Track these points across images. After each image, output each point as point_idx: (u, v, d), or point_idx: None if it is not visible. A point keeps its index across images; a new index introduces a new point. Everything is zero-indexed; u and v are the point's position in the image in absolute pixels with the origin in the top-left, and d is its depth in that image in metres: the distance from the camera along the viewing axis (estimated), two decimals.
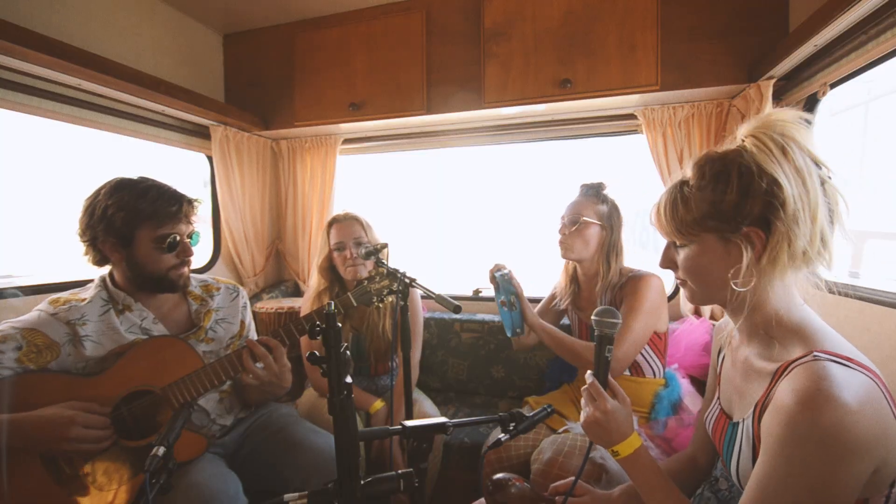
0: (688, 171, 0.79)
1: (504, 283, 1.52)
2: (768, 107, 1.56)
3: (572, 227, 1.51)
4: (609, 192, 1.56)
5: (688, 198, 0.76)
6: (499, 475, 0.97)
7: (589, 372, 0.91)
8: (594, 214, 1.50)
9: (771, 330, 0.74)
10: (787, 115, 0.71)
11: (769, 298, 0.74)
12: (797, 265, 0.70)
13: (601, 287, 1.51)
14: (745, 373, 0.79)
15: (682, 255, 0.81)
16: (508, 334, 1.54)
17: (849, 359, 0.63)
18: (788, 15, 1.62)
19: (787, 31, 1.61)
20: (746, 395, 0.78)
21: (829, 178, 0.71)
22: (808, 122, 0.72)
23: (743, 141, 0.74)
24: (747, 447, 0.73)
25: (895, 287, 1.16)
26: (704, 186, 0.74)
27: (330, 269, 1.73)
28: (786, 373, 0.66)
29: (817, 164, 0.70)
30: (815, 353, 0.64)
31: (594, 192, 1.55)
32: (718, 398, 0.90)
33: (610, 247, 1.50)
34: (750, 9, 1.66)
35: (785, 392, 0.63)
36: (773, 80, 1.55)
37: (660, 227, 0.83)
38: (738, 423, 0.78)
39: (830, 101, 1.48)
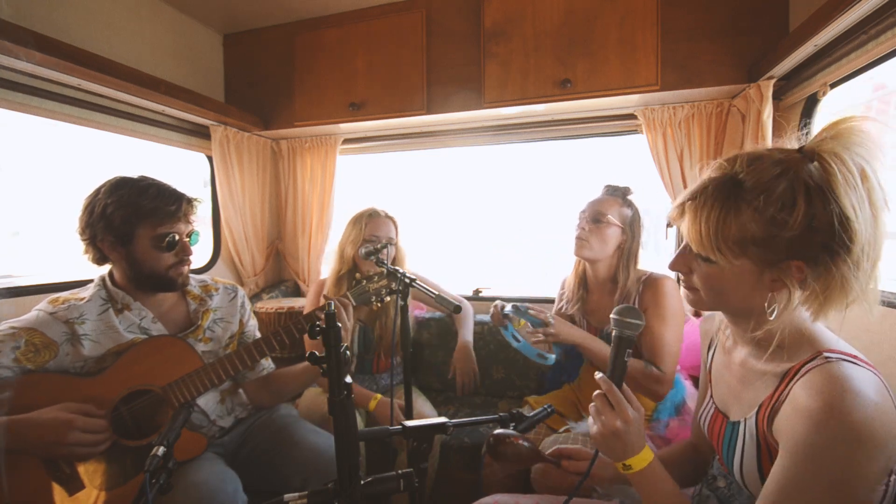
0: (736, 166, 0.68)
1: (519, 313, 1.41)
2: (768, 107, 1.56)
3: (592, 224, 1.44)
4: (633, 197, 1.50)
5: (741, 210, 0.65)
6: (500, 431, 0.95)
7: (602, 375, 0.81)
8: (617, 216, 1.44)
9: (770, 335, 0.71)
10: (871, 127, 0.60)
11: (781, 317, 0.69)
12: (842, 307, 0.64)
13: (619, 296, 1.44)
14: (743, 374, 0.78)
15: (704, 270, 0.73)
16: (549, 361, 1.41)
17: (855, 356, 0.63)
18: (788, 15, 1.62)
19: (788, 30, 1.61)
20: (746, 396, 0.77)
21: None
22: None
23: (815, 148, 0.63)
24: (751, 446, 0.72)
25: (895, 287, 1.16)
26: (765, 206, 0.63)
27: (352, 258, 1.74)
28: (798, 375, 0.65)
29: (886, 201, 0.61)
30: (826, 355, 0.64)
31: (619, 195, 1.49)
32: (712, 396, 0.88)
33: (629, 254, 1.45)
34: (750, 9, 1.66)
35: (805, 395, 0.62)
36: (774, 80, 1.55)
37: (693, 233, 0.70)
38: (737, 422, 0.77)
39: (831, 101, 1.47)
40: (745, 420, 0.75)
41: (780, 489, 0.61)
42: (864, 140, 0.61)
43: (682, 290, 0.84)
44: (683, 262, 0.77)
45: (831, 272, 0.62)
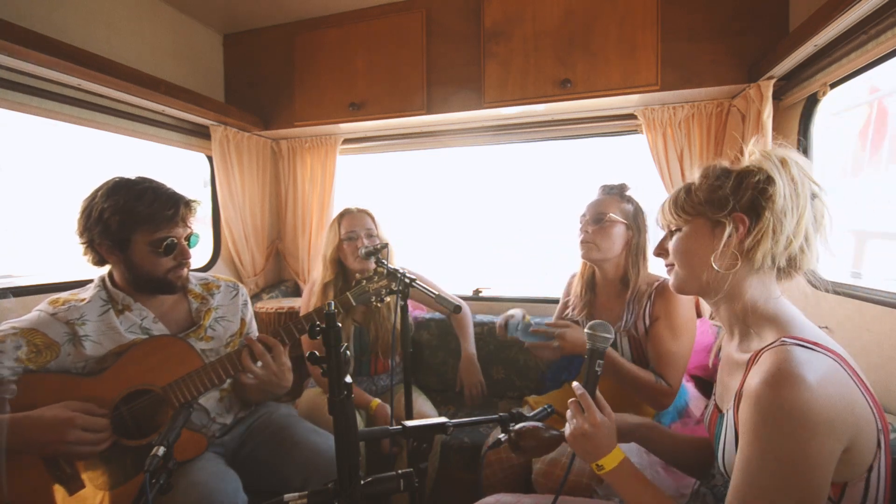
0: (696, 175, 0.87)
1: (525, 335, 1.34)
2: (768, 107, 1.56)
3: (596, 224, 1.40)
4: (632, 193, 1.47)
5: (691, 190, 0.85)
6: (521, 425, 0.96)
7: (577, 384, 0.91)
8: (619, 213, 1.40)
9: (748, 319, 0.78)
10: (791, 150, 0.79)
11: (746, 289, 0.78)
12: (777, 257, 0.75)
13: (630, 295, 1.40)
14: (729, 366, 0.85)
15: (674, 240, 0.87)
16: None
17: (815, 343, 0.67)
18: (788, 15, 1.62)
19: (788, 30, 1.61)
20: (729, 387, 0.82)
21: (819, 194, 0.77)
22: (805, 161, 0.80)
23: (748, 157, 0.82)
24: (731, 435, 0.76)
25: (895, 287, 1.16)
26: (707, 179, 0.82)
27: (336, 261, 1.73)
28: (757, 359, 0.70)
29: (812, 181, 0.76)
30: (783, 339, 0.68)
31: (617, 192, 1.46)
32: (714, 395, 0.93)
33: (638, 249, 1.41)
34: (750, 9, 1.66)
35: (753, 377, 0.67)
36: (773, 80, 1.55)
37: (663, 219, 0.90)
38: (723, 414, 0.81)
39: (831, 101, 1.48)
40: (728, 411, 0.79)
41: (740, 472, 0.65)
42: (783, 148, 0.79)
43: (669, 277, 0.92)
44: (661, 245, 0.92)
45: (765, 218, 0.74)
